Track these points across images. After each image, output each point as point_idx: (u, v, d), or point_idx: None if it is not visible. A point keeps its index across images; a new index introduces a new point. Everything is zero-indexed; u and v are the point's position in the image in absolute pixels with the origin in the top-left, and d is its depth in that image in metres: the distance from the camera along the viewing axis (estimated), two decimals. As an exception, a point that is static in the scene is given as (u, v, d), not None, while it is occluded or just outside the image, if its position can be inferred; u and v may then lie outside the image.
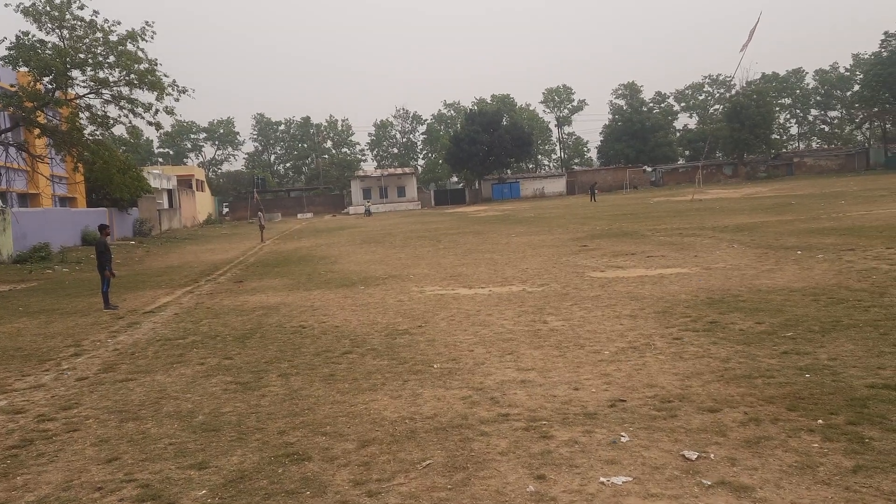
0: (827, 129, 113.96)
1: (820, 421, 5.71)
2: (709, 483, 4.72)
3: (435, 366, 8.45)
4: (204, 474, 5.50)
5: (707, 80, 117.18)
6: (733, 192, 55.50)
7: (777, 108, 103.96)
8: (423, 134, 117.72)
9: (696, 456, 5.15)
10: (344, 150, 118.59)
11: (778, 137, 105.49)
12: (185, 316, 14.00)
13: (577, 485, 4.84)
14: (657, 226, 28.03)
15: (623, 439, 5.61)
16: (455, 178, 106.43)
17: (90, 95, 23.86)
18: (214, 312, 14.12)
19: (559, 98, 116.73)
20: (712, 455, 5.18)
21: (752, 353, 8.01)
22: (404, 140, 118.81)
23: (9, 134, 25.00)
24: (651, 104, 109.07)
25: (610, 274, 15.62)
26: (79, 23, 23.07)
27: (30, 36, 22.89)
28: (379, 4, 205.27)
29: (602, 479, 4.89)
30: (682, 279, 14.02)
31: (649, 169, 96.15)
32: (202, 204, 78.53)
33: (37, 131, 24.74)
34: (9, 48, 22.65)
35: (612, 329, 9.87)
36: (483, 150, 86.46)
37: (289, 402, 7.34)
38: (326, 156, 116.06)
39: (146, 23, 23.55)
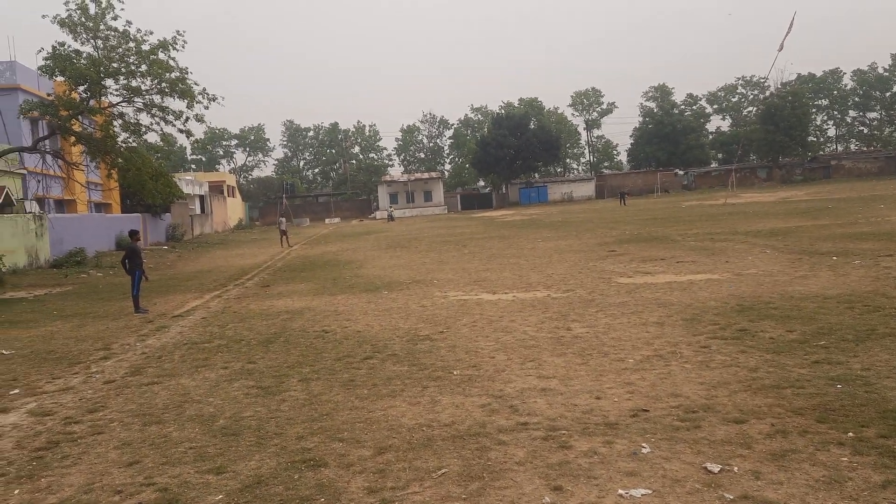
0: (866, 130, 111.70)
1: (850, 434, 5.54)
2: (731, 497, 4.59)
3: (455, 372, 8.39)
4: (221, 479, 5.51)
5: (740, 82, 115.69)
6: (768, 196, 54.65)
7: (813, 110, 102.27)
8: (449, 138, 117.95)
9: (718, 469, 5.02)
10: (371, 155, 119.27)
11: (814, 140, 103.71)
12: (213, 320, 14.12)
13: (594, 497, 4.74)
14: (688, 230, 27.67)
15: (644, 450, 5.49)
16: (482, 183, 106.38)
17: (123, 104, 24.23)
18: (241, 316, 14.22)
19: (588, 101, 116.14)
20: (736, 468, 5.04)
21: (782, 362, 7.81)
22: (431, 145, 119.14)
23: (46, 142, 25.49)
24: (682, 106, 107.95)
25: (638, 280, 15.43)
26: (112, 33, 23.42)
27: (66, 46, 23.29)
28: (406, 10, 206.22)
29: (621, 491, 4.78)
30: (711, 285, 13.79)
31: (681, 172, 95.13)
32: (233, 209, 79.52)
33: (72, 139, 25.20)
34: (46, 58, 23.06)
35: (638, 336, 9.72)
36: (510, 154, 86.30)
37: (308, 407, 7.34)
38: (354, 161, 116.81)
39: (177, 32, 23.85)
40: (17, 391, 9.01)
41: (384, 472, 5.41)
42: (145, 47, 23.56)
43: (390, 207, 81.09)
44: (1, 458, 6.43)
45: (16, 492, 5.58)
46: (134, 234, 17.22)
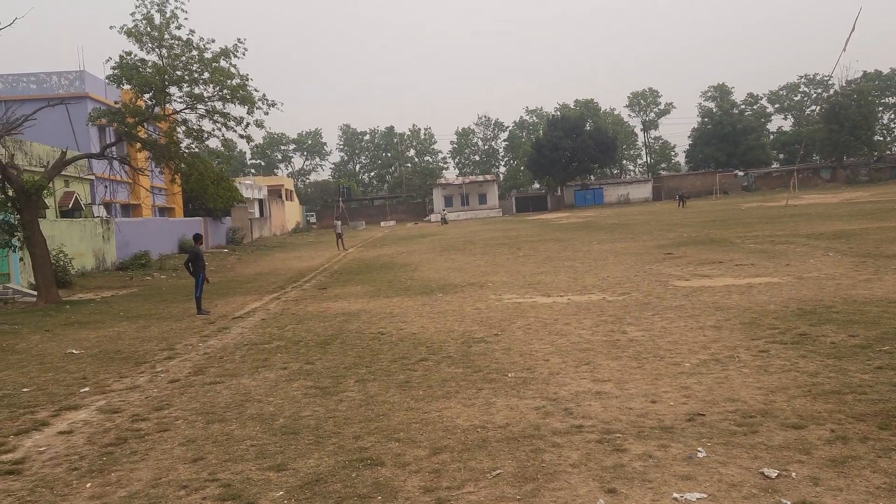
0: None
1: (915, 441, 5.39)
2: (788, 503, 4.54)
3: (509, 375, 8.44)
4: (282, 476, 5.69)
5: (803, 80, 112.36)
6: (831, 197, 52.98)
7: (880, 108, 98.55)
8: (504, 141, 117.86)
9: (776, 474, 4.96)
10: (426, 158, 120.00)
11: (881, 139, 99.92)
12: (272, 321, 14.48)
13: (648, 500, 4.74)
14: (747, 233, 27.06)
15: (700, 454, 5.45)
16: (537, 185, 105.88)
17: (186, 110, 24.94)
18: (299, 318, 14.54)
19: (645, 101, 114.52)
20: (794, 474, 4.97)
21: (844, 367, 7.63)
22: (486, 147, 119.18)
23: (113, 148, 26.44)
24: (743, 106, 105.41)
25: (695, 283, 15.20)
26: (176, 42, 24.13)
27: (132, 55, 24.10)
28: (458, 11, 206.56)
29: (676, 495, 4.76)
30: (771, 289, 13.50)
31: (741, 173, 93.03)
32: (291, 213, 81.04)
33: (138, 145, 26.10)
34: (114, 67, 23.92)
35: (695, 340, 9.60)
36: (566, 156, 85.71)
37: (365, 407, 7.50)
38: (409, 164, 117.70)
39: (238, 40, 24.44)
40: (87, 389, 9.42)
41: (439, 472, 5.51)
42: (207, 55, 24.21)
43: (443, 210, 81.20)
44: (73, 452, 6.75)
45: (88, 485, 5.86)
46: (198, 237, 17.78)
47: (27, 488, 5.88)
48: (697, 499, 4.66)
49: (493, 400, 7.42)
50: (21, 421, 8.00)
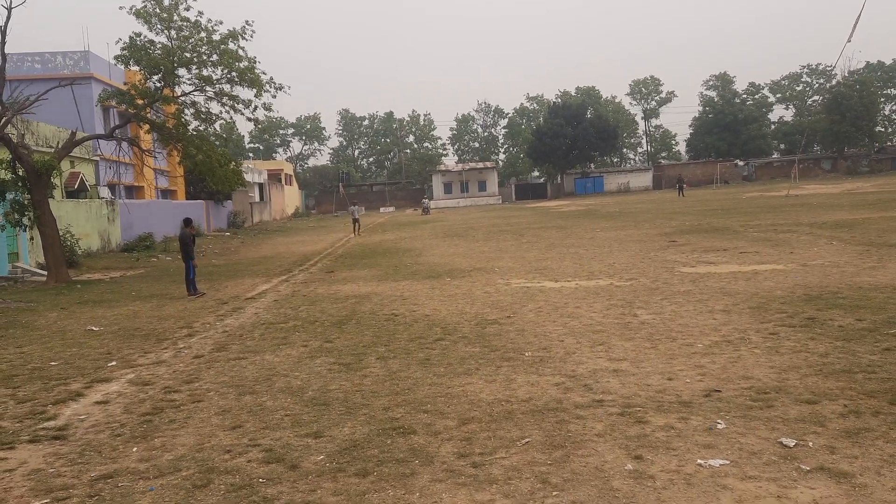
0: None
1: (923, 415, 5.68)
2: (807, 468, 4.83)
3: (526, 354, 8.71)
4: (320, 442, 5.97)
5: (805, 71, 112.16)
6: (832, 188, 53.21)
7: (882, 100, 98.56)
8: (504, 128, 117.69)
9: (794, 443, 5.25)
10: (426, 144, 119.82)
11: (882, 130, 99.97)
12: (284, 302, 14.74)
13: (674, 465, 5.03)
14: (750, 222, 27.31)
15: (719, 426, 5.74)
16: (536, 173, 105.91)
17: (195, 93, 25.08)
18: (311, 300, 14.79)
19: (646, 90, 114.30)
20: (811, 443, 5.27)
21: (852, 348, 7.92)
22: (486, 134, 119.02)
23: (119, 130, 26.59)
24: (744, 95, 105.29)
25: (701, 269, 15.47)
26: (185, 23, 24.24)
27: (141, 37, 24.20)
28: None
29: (699, 461, 5.05)
30: (777, 275, 13.78)
31: (741, 163, 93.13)
32: (290, 197, 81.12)
33: (146, 127, 26.23)
34: (123, 48, 24.02)
35: (705, 323, 9.88)
36: (566, 144, 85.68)
37: (389, 382, 7.77)
38: (408, 150, 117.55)
39: (246, 22, 24.58)
40: (114, 363, 9.70)
41: (471, 440, 5.79)
42: (216, 37, 24.32)
43: (425, 200, 76.57)
44: (113, 420, 7.03)
45: (134, 449, 6.13)
46: (188, 221, 18.10)
47: (76, 452, 6.16)
48: (721, 464, 4.95)
49: (513, 377, 7.69)
50: (56, 392, 8.28)
